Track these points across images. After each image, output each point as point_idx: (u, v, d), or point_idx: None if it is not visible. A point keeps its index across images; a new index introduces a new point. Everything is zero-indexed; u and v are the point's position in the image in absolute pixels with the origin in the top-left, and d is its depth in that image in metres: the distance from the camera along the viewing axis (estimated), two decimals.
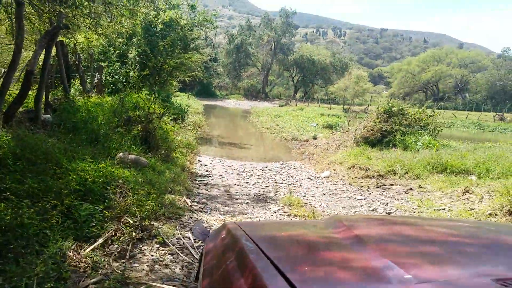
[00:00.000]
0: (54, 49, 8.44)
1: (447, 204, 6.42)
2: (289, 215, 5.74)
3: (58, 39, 8.24)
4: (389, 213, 6.29)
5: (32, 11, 7.69)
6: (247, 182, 8.20)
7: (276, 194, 7.22)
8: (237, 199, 6.78)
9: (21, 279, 2.23)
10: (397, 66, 73.36)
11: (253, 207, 6.27)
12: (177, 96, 23.26)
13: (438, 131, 13.24)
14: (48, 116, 6.83)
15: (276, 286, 1.03)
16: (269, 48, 57.36)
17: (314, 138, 15.66)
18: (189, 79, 20.47)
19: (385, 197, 7.29)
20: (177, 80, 20.39)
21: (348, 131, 14.62)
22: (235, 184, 7.92)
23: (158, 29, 15.56)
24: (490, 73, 58.81)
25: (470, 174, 8.02)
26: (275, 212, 5.95)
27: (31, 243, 2.70)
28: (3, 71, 14.72)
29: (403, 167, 8.81)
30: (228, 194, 7.03)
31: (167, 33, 15.65)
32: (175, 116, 14.23)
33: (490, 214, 5.54)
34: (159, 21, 15.44)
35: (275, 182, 8.27)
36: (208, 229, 2.50)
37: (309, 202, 6.78)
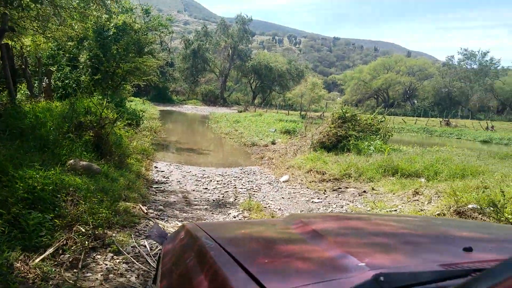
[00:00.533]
0: None
1: (399, 206, 6.84)
2: (249, 219, 5.82)
3: (2, 42, 7.77)
4: None
5: None
6: (206, 188, 8.17)
7: (235, 199, 7.28)
8: (195, 205, 6.75)
9: None
10: (349, 74, 76.71)
11: (212, 213, 6.28)
12: (132, 101, 22.63)
13: (389, 136, 14.05)
14: None
15: (237, 277, 1.05)
16: (227, 54, 57.49)
17: (273, 143, 15.94)
18: (144, 83, 20.01)
19: (340, 199, 7.61)
20: (131, 84, 19.87)
21: (305, 136, 15.06)
22: (193, 190, 7.87)
23: (111, 33, 15.11)
24: (436, 81, 62.72)
25: (420, 177, 8.55)
26: (235, 217, 6.00)
27: None
28: None
29: (357, 171, 9.24)
30: (186, 201, 6.98)
31: (121, 37, 15.24)
32: (129, 121, 13.84)
33: (438, 214, 5.92)
34: (112, 24, 14.99)
35: (235, 187, 8.32)
36: (166, 232, 2.51)
37: (269, 206, 6.90)
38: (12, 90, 8.19)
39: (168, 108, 39.48)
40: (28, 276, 2.70)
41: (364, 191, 8.07)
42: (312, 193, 8.16)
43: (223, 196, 7.56)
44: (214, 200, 7.19)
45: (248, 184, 8.88)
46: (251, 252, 1.44)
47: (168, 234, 2.03)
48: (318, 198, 7.70)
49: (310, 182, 8.99)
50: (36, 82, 12.33)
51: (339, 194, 8.04)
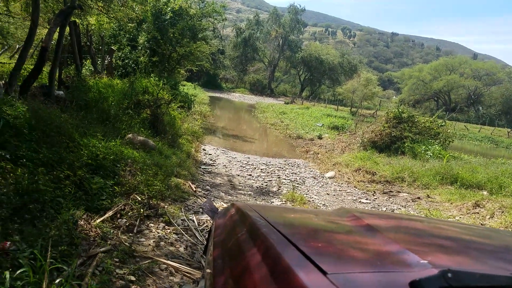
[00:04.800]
0: (67, 29, 8.51)
1: (456, 217, 6.42)
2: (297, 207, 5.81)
3: (71, 19, 8.31)
4: None
5: None
6: (250, 175, 8.27)
7: (279, 189, 7.29)
8: (240, 189, 6.86)
9: (36, 239, 2.31)
10: (408, 72, 72.06)
11: (255, 199, 6.34)
12: (184, 85, 23.32)
13: (449, 142, 13.18)
14: (61, 92, 6.92)
15: (290, 254, 1.04)
16: (277, 44, 56.86)
17: (320, 137, 15.70)
18: (196, 69, 20.52)
19: (391, 203, 7.30)
20: (184, 69, 20.45)
21: (355, 133, 14.65)
22: (238, 175, 7.99)
23: (168, 17, 15.60)
24: (505, 87, 56.15)
25: (482, 189, 7.96)
26: None
27: (46, 208, 2.78)
28: (17, 46, 14.86)
29: (412, 175, 8.79)
30: (231, 184, 7.11)
31: (176, 21, 15.70)
32: (181, 104, 14.28)
33: None
34: (169, 9, 15.47)
35: (278, 178, 8.33)
36: (217, 208, 2.58)
37: (313, 200, 6.82)
38: (79, 65, 8.77)
39: (217, 94, 40.24)
40: (89, 234, 2.91)
41: (418, 198, 7.66)
42: (360, 193, 7.92)
43: (266, 185, 7.59)
44: (257, 187, 7.25)
45: (292, 176, 8.84)
46: (303, 234, 1.44)
47: (219, 210, 2.11)
48: (366, 199, 7.45)
49: (358, 181, 8.73)
50: (99, 59, 13.08)
51: (390, 197, 7.72)
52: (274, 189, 7.31)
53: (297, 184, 8.04)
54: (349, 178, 8.98)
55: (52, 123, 4.43)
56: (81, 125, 5.47)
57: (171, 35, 15.42)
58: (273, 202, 6.27)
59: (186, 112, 14.25)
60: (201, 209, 4.12)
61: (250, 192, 6.74)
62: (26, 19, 11.71)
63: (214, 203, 5.49)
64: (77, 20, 10.15)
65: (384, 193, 8.00)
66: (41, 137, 3.93)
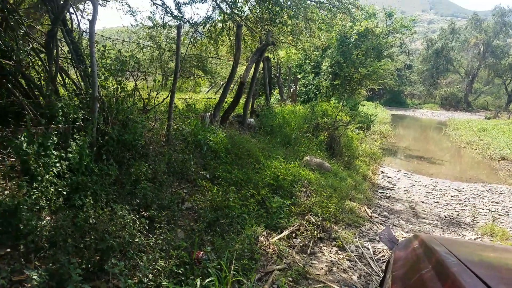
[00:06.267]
0: (261, 64, 9.84)
1: None
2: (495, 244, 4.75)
3: (264, 55, 9.56)
4: None
5: (247, 32, 9.18)
6: (438, 202, 7.27)
7: (473, 220, 6.14)
8: (423, 218, 6.12)
9: (224, 251, 2.72)
10: None
11: (443, 230, 5.53)
12: (364, 105, 22.90)
13: None
14: (252, 120, 8.02)
15: None
16: (477, 51, 48.94)
17: None
18: (378, 87, 19.85)
19: None
20: (366, 88, 20.13)
21: None
22: (422, 202, 7.17)
23: (353, 39, 15.76)
24: None
25: None
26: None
27: (234, 223, 3.25)
28: (221, 83, 18.27)
29: None
30: (413, 211, 6.44)
31: (361, 43, 15.67)
32: (360, 125, 14.06)
33: None
34: (354, 31, 15.60)
35: (474, 207, 7.02)
36: (397, 238, 2.40)
37: None
38: (268, 95, 9.96)
39: (401, 112, 37.62)
40: (267, 250, 3.21)
41: None
42: None
43: (457, 214, 6.51)
44: (446, 217, 6.30)
45: (492, 205, 7.30)
46: (506, 279, 1.21)
47: (399, 240, 1.94)
48: None
49: None
50: (285, 88, 14.52)
51: None
52: (468, 219, 6.19)
53: (499, 215, 6.57)
54: None
55: (243, 147, 5.20)
56: (267, 148, 6.18)
57: (354, 57, 15.55)
58: (465, 235, 5.30)
59: (364, 132, 13.93)
60: (378, 238, 3.90)
61: (436, 222, 5.93)
62: (230, 59, 14.25)
63: (394, 231, 5.10)
64: (269, 55, 11.65)
65: None
66: (234, 159, 4.66)
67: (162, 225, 3.13)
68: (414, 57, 54.23)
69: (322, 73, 16.57)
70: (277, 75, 13.18)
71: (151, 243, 2.71)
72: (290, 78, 14.95)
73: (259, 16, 8.34)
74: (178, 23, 7.19)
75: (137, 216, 2.90)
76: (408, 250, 1.66)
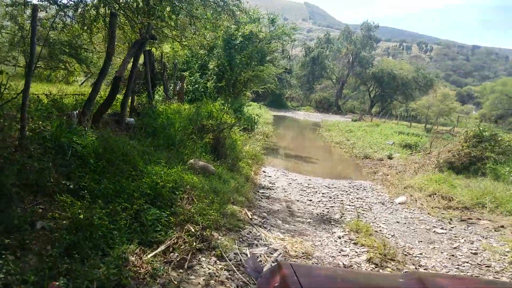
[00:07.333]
0: (142, 58, 9.20)
1: None
2: (355, 244, 5.36)
3: (146, 49, 8.96)
4: (475, 253, 5.55)
5: (126, 21, 8.45)
6: (311, 200, 7.94)
7: (341, 217, 6.85)
8: (298, 216, 6.59)
9: (83, 281, 2.35)
10: (489, 86, 65.31)
11: (315, 228, 6.02)
12: (249, 106, 23.80)
13: None
14: (132, 119, 7.42)
15: None
16: (347, 61, 56.02)
17: (390, 157, 14.69)
18: (262, 90, 20.87)
19: (470, 233, 6.46)
20: (251, 91, 20.92)
21: (429, 153, 13.45)
22: (297, 201, 7.72)
23: (238, 41, 16.13)
24: None
25: None
26: (340, 238, 5.62)
27: (99, 244, 2.86)
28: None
29: (494, 200, 7.80)
30: (289, 210, 6.88)
31: (246, 46, 16.16)
32: (245, 126, 14.52)
33: None
34: (239, 34, 15.99)
35: (342, 203, 7.87)
36: (261, 266, 2.39)
37: (380, 231, 6.28)
38: (151, 93, 9.39)
39: (282, 113, 40.45)
40: (139, 271, 2.93)
41: (502, 226, 6.70)
42: (434, 220, 7.13)
43: (328, 211, 7.20)
44: (318, 214, 6.90)
45: (357, 201, 8.30)
46: None
47: (264, 270, 1.92)
48: (442, 228, 6.68)
49: (432, 207, 7.90)
50: (171, 85, 13.99)
51: (468, 226, 6.85)
52: (337, 216, 6.90)
53: (363, 210, 7.51)
54: (422, 204, 8.17)
55: (118, 151, 4.70)
56: (147, 151, 5.75)
57: (238, 60, 15.93)
58: (334, 232, 5.88)
59: (249, 133, 14.44)
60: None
61: (309, 220, 6.44)
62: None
63: (271, 233, 5.31)
64: (152, 49, 10.99)
65: (461, 220, 7.14)
66: (106, 166, 4.17)
67: (3, 255, 2.54)
68: (294, 63, 58.79)
69: (209, 73, 16.56)
70: (161, 71, 12.60)
71: None
72: (176, 75, 14.50)
73: (137, 6, 7.76)
74: (34, 4, 6.17)
75: None
76: (269, 286, 1.62)
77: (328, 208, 7.41)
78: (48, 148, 4.10)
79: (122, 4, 7.88)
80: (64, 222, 2.90)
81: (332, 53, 56.48)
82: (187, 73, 15.95)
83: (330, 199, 8.16)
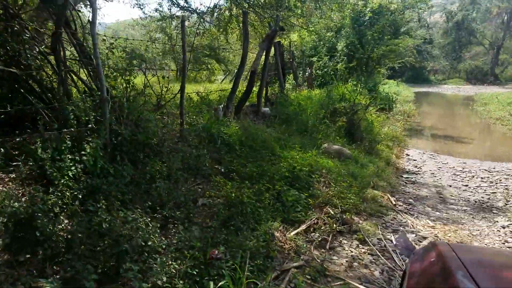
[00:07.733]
0: (272, 50, 9.60)
1: None
2: None
3: (275, 40, 9.31)
4: None
5: (256, 17, 8.97)
6: (467, 185, 6.95)
7: (506, 204, 5.81)
8: (451, 204, 5.86)
9: (238, 250, 2.66)
10: None
11: (472, 217, 5.26)
12: (385, 84, 22.16)
13: None
14: (267, 109, 7.88)
15: None
16: (500, 21, 46.46)
17: None
18: (399, 65, 19.20)
19: None
20: (385, 67, 19.51)
21: None
22: (450, 186, 6.86)
23: (367, 17, 15.21)
24: None
25: None
26: (503, 228, 4.77)
27: (248, 219, 3.17)
28: (235, 70, 18.15)
29: None
30: (440, 197, 6.17)
31: (376, 21, 15.10)
32: (381, 106, 13.62)
33: None
34: (368, 9, 15.05)
35: (506, 189, 6.65)
36: (414, 244, 2.23)
37: None
38: (282, 82, 9.74)
39: (424, 89, 36.31)
40: (284, 247, 3.12)
41: None
42: None
43: (488, 198, 6.19)
44: (476, 201, 6.00)
45: None
46: None
47: (416, 248, 1.78)
48: None
49: None
50: (300, 72, 14.23)
51: None
52: (500, 203, 5.86)
53: None
54: None
55: (257, 139, 5.09)
56: (282, 137, 6.04)
57: (369, 37, 15.05)
58: (497, 222, 5.02)
59: (386, 114, 13.49)
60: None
61: (465, 208, 5.66)
62: (241, 47, 14.06)
63: (418, 220, 4.89)
64: (281, 40, 11.39)
65: None
66: (249, 152, 4.57)
67: (176, 225, 3.09)
68: (434, 31, 51.95)
69: (338, 55, 16.12)
70: (290, 60, 12.89)
71: (164, 246, 2.67)
72: (305, 62, 14.62)
73: (265, 1, 8.12)
74: (181, 15, 7.09)
75: (151, 217, 2.88)
76: (423, 264, 1.49)
77: (488, 195, 6.37)
78: (202, 138, 4.76)
79: (251, 2, 8.39)
80: (219, 200, 3.33)
81: (480, 14, 47.74)
82: (315, 58, 15.89)
83: (491, 184, 6.99)
